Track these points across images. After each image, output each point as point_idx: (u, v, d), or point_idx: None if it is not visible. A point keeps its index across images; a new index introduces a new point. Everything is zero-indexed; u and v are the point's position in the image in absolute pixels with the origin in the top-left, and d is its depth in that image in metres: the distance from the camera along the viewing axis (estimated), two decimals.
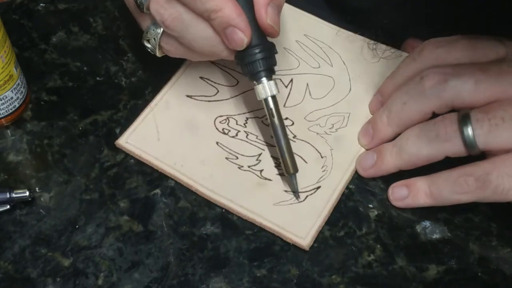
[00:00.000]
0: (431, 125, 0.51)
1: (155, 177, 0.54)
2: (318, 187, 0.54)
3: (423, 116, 0.52)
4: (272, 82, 0.51)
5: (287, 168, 0.52)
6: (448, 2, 0.60)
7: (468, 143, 0.49)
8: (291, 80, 0.60)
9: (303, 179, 0.54)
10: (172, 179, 0.54)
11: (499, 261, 0.52)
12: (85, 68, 0.60)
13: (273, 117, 0.52)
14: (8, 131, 0.56)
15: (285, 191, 0.54)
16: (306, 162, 0.55)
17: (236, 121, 0.57)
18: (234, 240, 0.52)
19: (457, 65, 0.52)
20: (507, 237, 0.53)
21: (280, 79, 0.59)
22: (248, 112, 0.58)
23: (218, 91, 0.59)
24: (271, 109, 0.52)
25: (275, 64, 0.51)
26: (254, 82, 0.51)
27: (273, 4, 0.49)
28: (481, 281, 0.51)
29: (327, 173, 0.55)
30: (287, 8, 0.63)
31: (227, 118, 0.57)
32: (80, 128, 0.57)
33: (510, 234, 0.53)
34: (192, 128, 0.56)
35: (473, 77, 0.50)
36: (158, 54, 0.53)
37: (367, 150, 0.56)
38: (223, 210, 0.53)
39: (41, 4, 0.64)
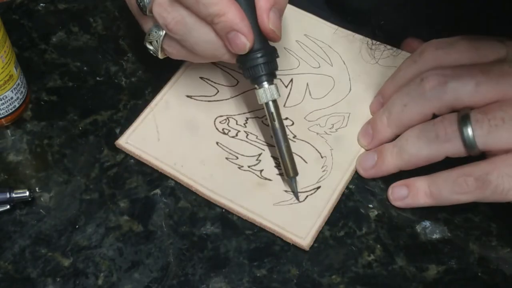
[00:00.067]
0: (431, 126, 0.51)
1: (155, 177, 0.54)
2: (318, 187, 0.54)
3: (423, 117, 0.52)
4: (273, 86, 0.51)
5: (287, 171, 0.53)
6: (448, 2, 0.59)
7: (468, 144, 0.49)
8: (291, 80, 0.60)
9: (303, 179, 0.54)
10: (172, 179, 0.54)
11: (499, 261, 0.52)
12: (85, 68, 0.60)
13: (274, 120, 0.52)
14: (8, 131, 0.56)
15: (285, 191, 0.54)
16: (306, 162, 0.55)
17: (236, 121, 0.57)
18: (234, 240, 0.52)
19: (457, 66, 0.52)
20: (507, 237, 0.53)
21: (280, 79, 0.59)
22: (248, 112, 0.58)
23: (218, 91, 0.59)
24: (272, 113, 0.52)
25: (276, 68, 0.52)
26: (256, 86, 0.52)
27: (275, 9, 0.49)
28: (481, 281, 0.51)
29: (327, 173, 0.55)
30: (288, 8, 0.63)
31: (227, 118, 0.57)
32: (80, 128, 0.57)
33: (510, 234, 0.53)
34: (192, 128, 0.56)
35: (474, 79, 0.50)
36: (160, 56, 0.53)
37: (366, 150, 0.56)
38: (223, 210, 0.53)
39: (41, 4, 0.64)
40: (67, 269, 0.50)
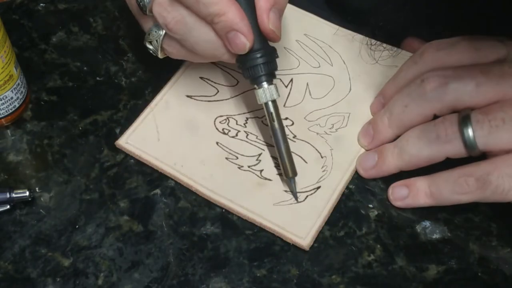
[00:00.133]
0: (432, 127, 0.51)
1: (155, 177, 0.54)
2: (318, 187, 0.54)
3: (424, 118, 0.52)
4: (272, 87, 0.51)
5: (286, 172, 0.53)
6: (448, 2, 0.59)
7: (468, 144, 0.49)
8: (291, 80, 0.60)
9: (303, 179, 0.54)
10: (172, 179, 0.54)
11: (499, 261, 0.52)
12: (85, 68, 0.60)
13: (273, 121, 0.52)
14: (8, 131, 0.56)
15: (285, 191, 0.54)
16: (306, 162, 0.55)
17: (236, 121, 0.57)
18: (234, 240, 0.52)
19: (458, 67, 0.52)
20: (507, 237, 0.53)
21: (280, 79, 0.59)
22: (248, 112, 0.58)
23: (218, 91, 0.59)
24: (271, 113, 0.52)
25: (276, 68, 0.52)
26: (255, 86, 0.52)
27: (275, 9, 0.49)
28: (481, 281, 0.51)
29: (327, 173, 0.55)
30: (288, 7, 0.63)
31: (227, 118, 0.57)
32: (80, 128, 0.57)
33: (510, 234, 0.53)
34: (192, 128, 0.56)
35: (474, 79, 0.50)
36: (160, 55, 0.53)
37: (367, 150, 0.56)
38: (223, 210, 0.53)
39: (41, 4, 0.64)
40: (67, 269, 0.50)
